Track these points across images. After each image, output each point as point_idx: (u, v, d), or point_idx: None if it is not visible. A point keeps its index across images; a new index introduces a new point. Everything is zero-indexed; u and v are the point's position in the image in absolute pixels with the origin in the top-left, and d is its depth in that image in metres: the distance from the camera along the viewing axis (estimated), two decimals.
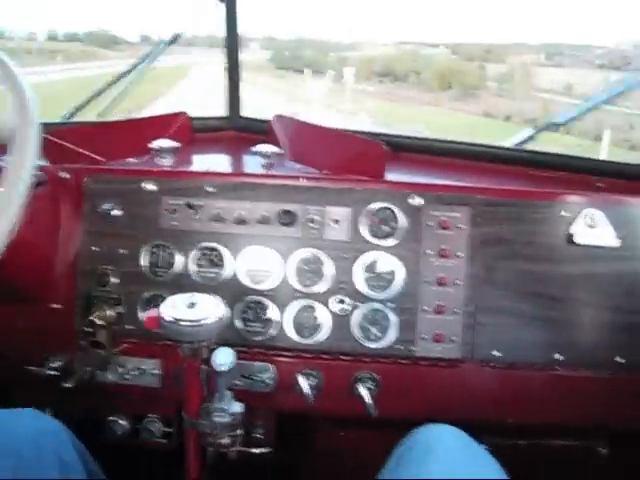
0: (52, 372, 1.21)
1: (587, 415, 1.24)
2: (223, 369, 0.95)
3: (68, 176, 1.24)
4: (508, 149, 1.51)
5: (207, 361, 0.97)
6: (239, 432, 1.01)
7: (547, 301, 1.19)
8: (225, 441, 1.00)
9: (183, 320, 0.91)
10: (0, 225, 0.78)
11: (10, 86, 0.87)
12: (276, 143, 1.38)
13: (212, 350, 0.98)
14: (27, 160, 0.83)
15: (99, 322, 1.20)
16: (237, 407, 1.00)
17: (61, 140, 1.28)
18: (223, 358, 0.95)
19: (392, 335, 1.19)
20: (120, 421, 1.31)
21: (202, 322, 0.90)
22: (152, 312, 0.96)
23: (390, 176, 1.23)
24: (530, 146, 1.53)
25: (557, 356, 1.19)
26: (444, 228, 1.19)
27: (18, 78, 0.88)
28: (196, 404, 0.98)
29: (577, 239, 1.18)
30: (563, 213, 1.19)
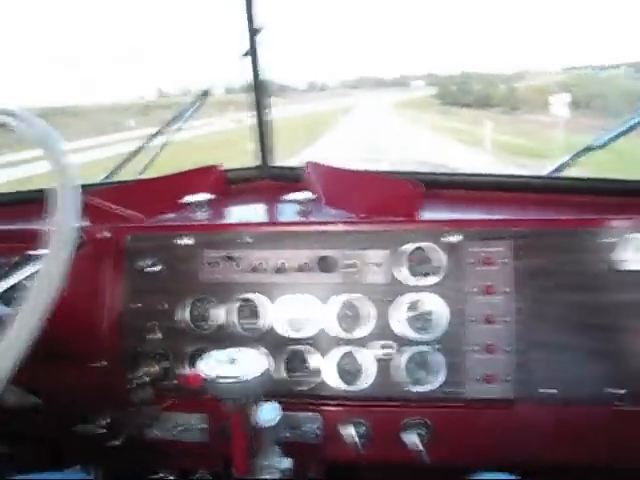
0: (100, 430, 1.21)
1: None
2: (269, 425, 0.93)
3: (109, 235, 1.27)
4: (544, 177, 1.48)
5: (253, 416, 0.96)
6: None
7: (600, 332, 1.14)
8: None
9: (225, 377, 0.90)
10: (47, 287, 0.80)
11: (48, 153, 0.90)
12: (310, 189, 1.39)
13: (257, 404, 0.97)
14: (69, 223, 0.85)
15: (145, 378, 1.21)
16: (286, 463, 0.98)
17: (101, 200, 1.32)
18: (268, 414, 0.94)
19: (440, 377, 1.15)
20: (168, 477, 1.30)
21: (244, 378, 0.89)
22: (194, 370, 0.95)
23: (426, 214, 1.21)
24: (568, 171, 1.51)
25: (615, 390, 1.13)
26: (487, 264, 1.16)
27: (55, 144, 0.91)
28: (244, 461, 0.96)
29: (623, 265, 1.14)
30: (607, 239, 1.15)
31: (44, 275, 0.82)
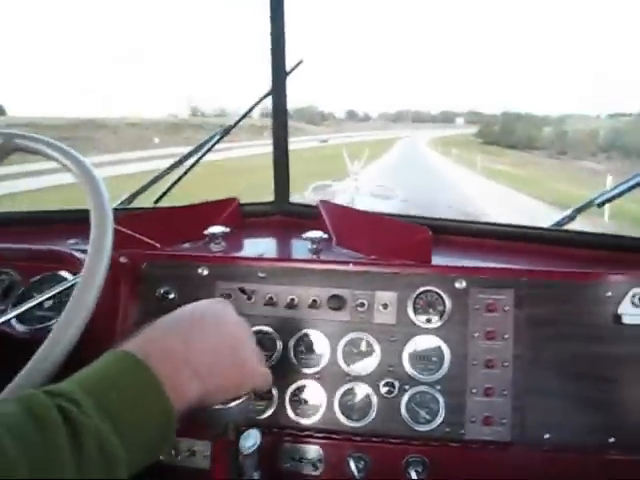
0: None
1: None
2: (249, 452, 0.96)
3: (126, 261, 1.31)
4: (549, 229, 1.53)
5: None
6: None
7: (597, 383, 1.19)
8: None
9: None
10: (82, 312, 0.84)
11: (82, 178, 0.95)
12: (323, 228, 1.43)
13: (241, 431, 1.00)
14: (103, 251, 0.89)
15: None
16: None
17: (119, 225, 1.36)
18: (250, 440, 0.96)
19: (441, 418, 1.19)
20: None
21: (227, 405, 0.88)
22: None
23: (435, 259, 1.26)
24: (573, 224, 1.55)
25: (610, 439, 1.17)
26: (490, 310, 1.21)
27: (90, 170, 0.95)
28: None
29: (625, 319, 1.18)
30: (609, 293, 1.20)
31: (79, 298, 0.86)
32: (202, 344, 0.79)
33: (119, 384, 0.65)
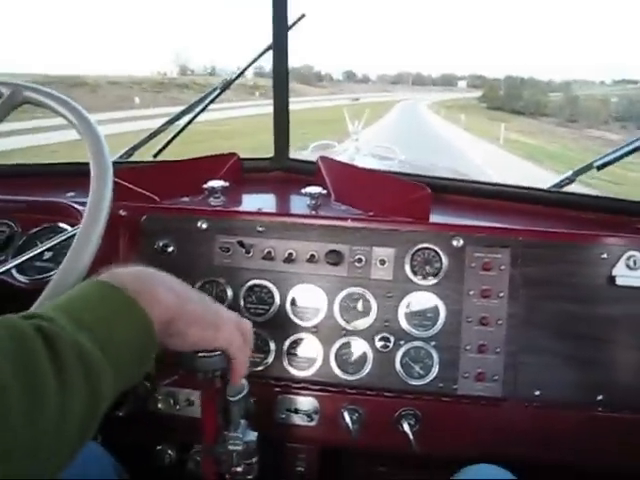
0: None
1: (633, 459, 1.24)
2: (235, 399, 0.98)
3: (124, 214, 1.31)
4: (548, 191, 1.53)
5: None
6: (254, 460, 1.03)
7: (588, 342, 1.21)
8: (240, 469, 1.01)
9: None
10: (81, 263, 0.84)
11: (84, 133, 0.94)
12: (322, 184, 1.43)
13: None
14: (103, 202, 0.89)
15: None
16: (251, 436, 1.02)
17: (119, 179, 1.35)
18: (235, 389, 0.98)
19: (434, 373, 1.22)
20: (168, 450, 1.34)
21: (212, 353, 0.87)
22: None
23: (433, 218, 1.26)
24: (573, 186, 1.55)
25: (599, 397, 1.20)
26: (486, 269, 1.22)
27: (91, 124, 0.95)
28: (212, 432, 1.00)
29: (619, 281, 1.20)
30: (604, 255, 1.21)
31: (77, 248, 0.86)
32: (174, 282, 0.80)
33: (92, 301, 0.65)
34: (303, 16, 1.60)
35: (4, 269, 1.20)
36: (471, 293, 1.22)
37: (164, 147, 1.75)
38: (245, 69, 1.75)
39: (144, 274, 0.74)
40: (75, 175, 1.46)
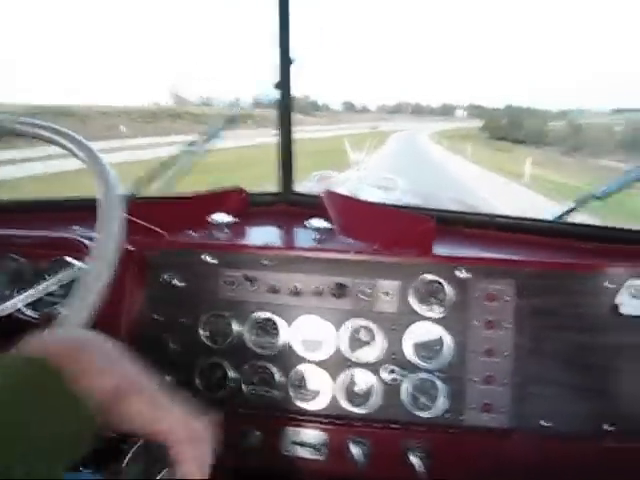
0: (112, 434, 1.25)
1: None
2: None
3: (133, 249, 1.33)
4: (550, 222, 1.54)
5: None
6: None
7: (596, 371, 1.21)
8: None
9: None
10: (90, 299, 0.85)
11: (94, 168, 0.95)
12: (327, 217, 1.44)
13: None
14: (114, 238, 0.90)
15: None
16: None
17: (126, 214, 1.37)
18: None
19: (441, 404, 1.22)
20: None
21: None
22: None
23: (437, 249, 1.27)
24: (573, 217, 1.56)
25: (606, 427, 1.19)
26: (490, 300, 1.22)
27: (99, 159, 0.96)
28: None
29: (622, 310, 1.20)
30: (607, 284, 1.21)
31: (88, 285, 0.87)
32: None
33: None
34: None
35: (15, 308, 1.21)
36: (476, 324, 1.22)
37: (171, 181, 1.77)
38: (248, 106, 1.77)
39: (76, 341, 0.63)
40: (81, 209, 1.48)
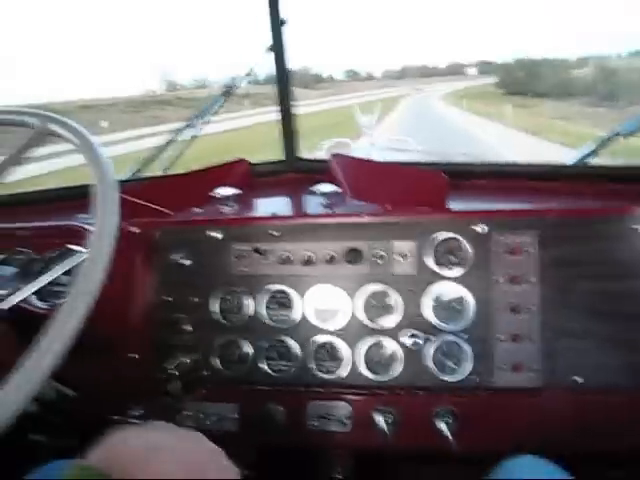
0: (133, 420, 1.24)
1: None
2: None
3: (138, 230, 1.29)
4: (570, 166, 1.47)
5: None
6: None
7: (628, 320, 1.14)
8: None
9: None
10: (90, 285, 0.82)
11: (86, 153, 0.92)
12: (335, 182, 1.40)
13: None
14: (110, 222, 0.87)
15: (174, 371, 1.23)
16: None
17: (129, 196, 1.34)
18: None
19: (468, 367, 1.17)
20: None
21: None
22: None
23: (452, 205, 1.22)
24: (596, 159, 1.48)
25: None
26: (513, 253, 1.16)
27: (93, 144, 0.93)
28: None
29: None
30: (635, 226, 1.14)
31: (86, 272, 0.84)
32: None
33: None
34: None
35: (22, 297, 1.20)
36: (500, 280, 1.17)
37: (174, 160, 1.74)
38: (246, 77, 1.72)
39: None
40: (82, 197, 1.46)
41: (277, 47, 1.54)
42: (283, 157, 1.64)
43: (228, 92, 1.65)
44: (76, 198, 1.65)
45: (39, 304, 1.28)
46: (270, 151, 1.73)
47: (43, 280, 1.20)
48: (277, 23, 1.51)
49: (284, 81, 1.58)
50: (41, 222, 1.41)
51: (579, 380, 1.14)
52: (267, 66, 1.61)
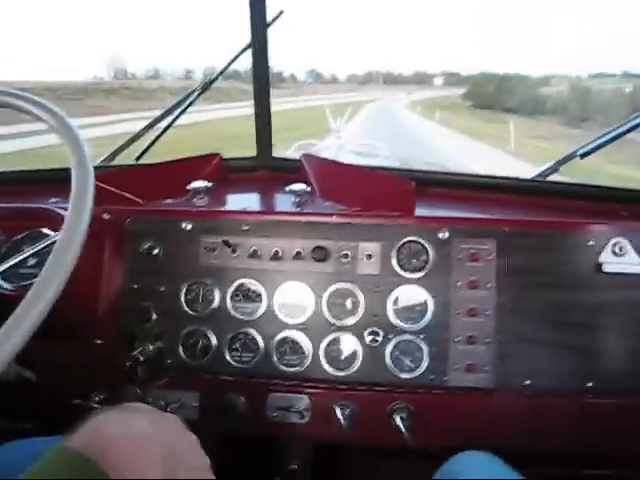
0: (96, 405, 1.24)
1: (622, 444, 1.24)
2: None
3: (109, 217, 1.30)
4: (529, 180, 1.53)
5: None
6: None
7: (577, 329, 1.21)
8: None
9: None
10: (61, 269, 0.83)
11: (64, 136, 0.93)
12: (307, 181, 1.43)
13: None
14: (84, 207, 0.88)
15: (138, 357, 1.25)
16: None
17: (102, 183, 1.34)
18: None
19: (424, 366, 1.21)
20: None
21: None
22: None
23: (418, 211, 1.26)
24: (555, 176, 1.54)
25: (589, 384, 1.20)
26: (473, 260, 1.22)
27: (71, 127, 0.94)
28: None
29: (606, 268, 1.20)
30: (590, 242, 1.21)
31: (59, 254, 0.85)
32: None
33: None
34: (282, 13, 1.59)
35: None
36: (459, 285, 1.22)
37: (145, 150, 1.74)
38: (223, 71, 1.73)
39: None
40: (58, 181, 1.45)
41: (257, 45, 1.56)
42: (255, 154, 1.66)
43: (206, 87, 1.66)
44: (49, 181, 1.64)
45: (5, 285, 1.28)
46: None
47: (11, 261, 1.20)
48: (260, 21, 1.52)
49: (263, 79, 1.59)
50: (13, 204, 1.40)
51: (528, 383, 1.20)
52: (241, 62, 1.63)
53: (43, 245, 1.18)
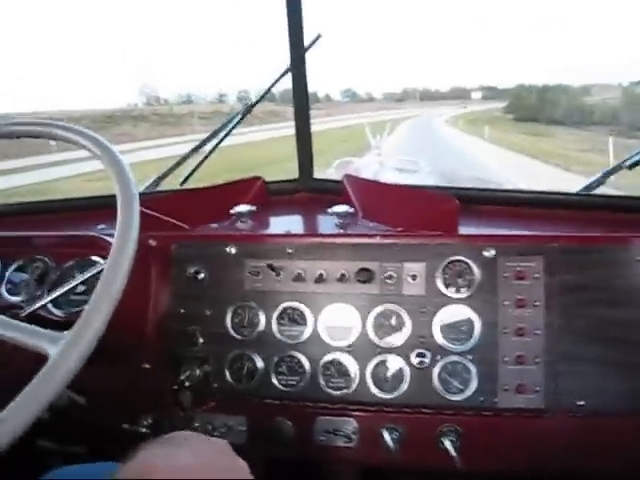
0: (143, 429, 1.26)
1: None
2: None
3: (155, 243, 1.33)
4: (578, 194, 1.50)
5: None
6: None
7: (630, 347, 1.17)
8: None
9: None
10: (109, 294, 0.84)
11: (109, 164, 0.95)
12: (349, 202, 1.43)
13: None
14: (131, 233, 0.90)
15: (185, 382, 1.26)
16: None
17: (147, 209, 1.37)
18: None
19: (473, 387, 1.19)
20: None
21: None
22: None
23: (462, 229, 1.25)
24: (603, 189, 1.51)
25: None
26: (520, 278, 1.20)
27: (116, 156, 0.96)
28: None
29: None
30: (636, 256, 1.18)
31: (107, 280, 0.86)
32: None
33: None
34: (319, 37, 1.61)
35: (40, 304, 1.23)
36: (506, 304, 1.20)
37: (190, 174, 1.78)
38: (264, 95, 1.76)
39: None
40: (105, 207, 1.49)
41: (297, 67, 1.58)
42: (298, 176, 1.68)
43: (248, 110, 1.68)
44: (96, 208, 1.68)
45: (56, 312, 1.31)
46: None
47: (61, 289, 1.23)
48: (298, 45, 1.55)
49: (302, 101, 1.61)
50: (62, 232, 1.45)
51: (581, 403, 1.17)
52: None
53: (92, 273, 1.21)
